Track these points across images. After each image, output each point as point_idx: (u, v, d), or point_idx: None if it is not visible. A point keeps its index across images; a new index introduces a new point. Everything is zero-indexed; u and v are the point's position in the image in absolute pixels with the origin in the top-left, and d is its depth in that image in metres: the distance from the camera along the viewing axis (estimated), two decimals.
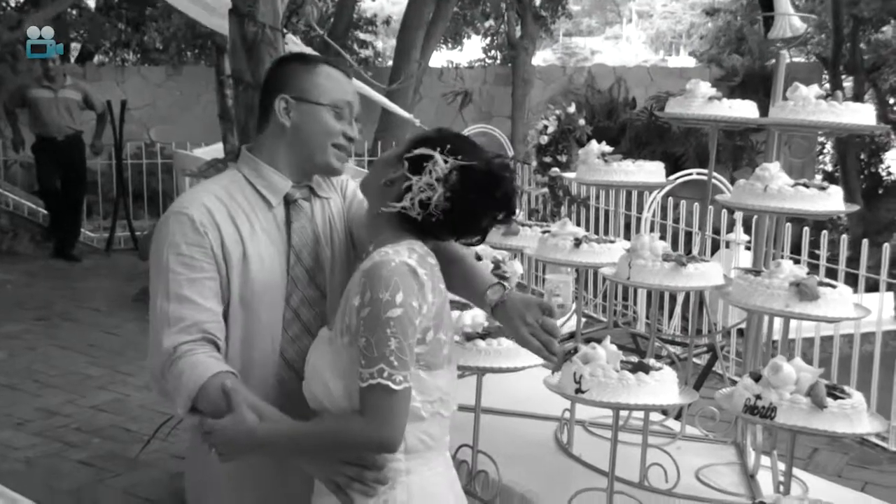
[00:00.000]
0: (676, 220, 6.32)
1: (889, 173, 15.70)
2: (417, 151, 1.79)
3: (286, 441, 1.76)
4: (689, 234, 6.18)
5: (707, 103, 2.80)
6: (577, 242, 2.69)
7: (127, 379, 5.54)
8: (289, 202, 1.98)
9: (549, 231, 2.82)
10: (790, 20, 2.84)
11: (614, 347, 2.19)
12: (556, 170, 7.38)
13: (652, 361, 2.23)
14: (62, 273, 8.28)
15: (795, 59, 17.16)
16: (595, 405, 2.16)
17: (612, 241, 2.77)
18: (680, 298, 6.05)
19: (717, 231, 6.08)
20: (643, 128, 14.26)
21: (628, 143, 14.08)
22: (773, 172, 2.53)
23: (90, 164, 8.97)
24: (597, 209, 7.02)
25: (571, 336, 2.82)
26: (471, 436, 2.58)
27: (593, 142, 2.97)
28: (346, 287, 1.79)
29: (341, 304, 1.77)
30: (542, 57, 24.07)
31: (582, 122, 7.34)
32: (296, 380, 1.87)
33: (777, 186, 2.49)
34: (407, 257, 1.72)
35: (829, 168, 16.08)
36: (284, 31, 3.80)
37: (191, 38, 13.04)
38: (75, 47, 14.26)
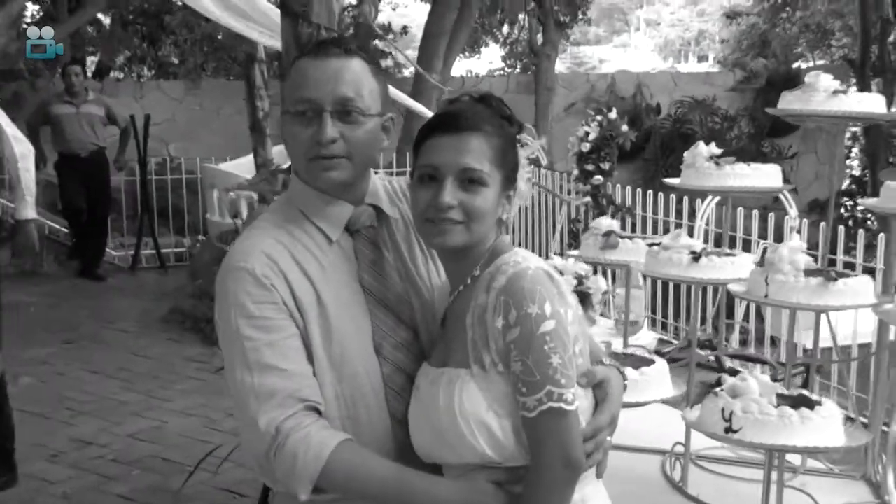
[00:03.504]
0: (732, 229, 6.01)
1: None
2: (516, 159, 1.59)
3: None
4: (746, 243, 5.87)
5: (831, 98, 2.51)
6: (696, 256, 2.39)
7: (163, 405, 5.26)
8: (352, 231, 1.66)
9: (658, 244, 2.53)
10: None
11: (767, 378, 1.90)
12: (598, 178, 7.08)
13: (811, 394, 1.94)
14: (88, 293, 7.99)
15: (819, 62, 16.87)
16: (751, 447, 1.87)
17: (733, 255, 2.47)
18: (741, 309, 5.74)
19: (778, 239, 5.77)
20: (668, 134, 13.99)
21: (654, 149, 13.81)
22: None
23: (112, 181, 8.72)
24: (643, 217, 6.73)
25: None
26: None
27: (701, 143, 2.68)
28: (463, 313, 1.51)
29: (469, 333, 1.48)
30: None
31: (625, 127, 7.08)
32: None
33: None
34: (537, 262, 1.50)
35: (857, 173, 15.73)
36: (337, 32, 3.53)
37: (210, 51, 12.83)
38: (92, 62, 14.07)
